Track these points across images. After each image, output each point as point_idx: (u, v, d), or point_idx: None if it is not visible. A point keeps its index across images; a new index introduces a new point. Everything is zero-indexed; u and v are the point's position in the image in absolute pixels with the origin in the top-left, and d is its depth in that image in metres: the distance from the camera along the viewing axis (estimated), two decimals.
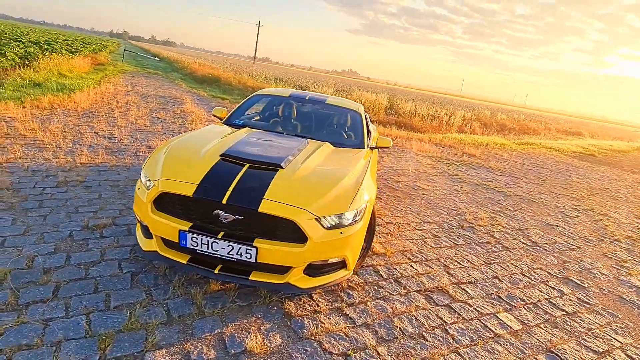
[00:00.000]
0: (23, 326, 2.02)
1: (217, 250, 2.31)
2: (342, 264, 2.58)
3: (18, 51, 14.18)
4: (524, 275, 3.66)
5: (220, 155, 2.66)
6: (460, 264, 3.64)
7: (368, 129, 4.51)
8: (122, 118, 7.67)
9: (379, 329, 2.47)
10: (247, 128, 3.62)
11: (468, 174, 7.88)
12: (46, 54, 15.39)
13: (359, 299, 2.77)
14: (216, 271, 2.34)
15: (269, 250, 2.29)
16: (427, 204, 5.38)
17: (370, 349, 2.27)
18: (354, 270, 3.00)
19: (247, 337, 2.19)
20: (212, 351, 2.06)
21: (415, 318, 2.65)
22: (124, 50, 27.48)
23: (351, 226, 2.51)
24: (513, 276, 3.59)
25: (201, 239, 2.30)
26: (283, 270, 2.39)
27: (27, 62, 12.87)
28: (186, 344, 2.07)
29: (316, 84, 21.90)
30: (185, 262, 2.40)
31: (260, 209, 2.27)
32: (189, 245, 2.34)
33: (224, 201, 2.29)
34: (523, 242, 4.53)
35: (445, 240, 4.15)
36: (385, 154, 8.56)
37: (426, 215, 4.87)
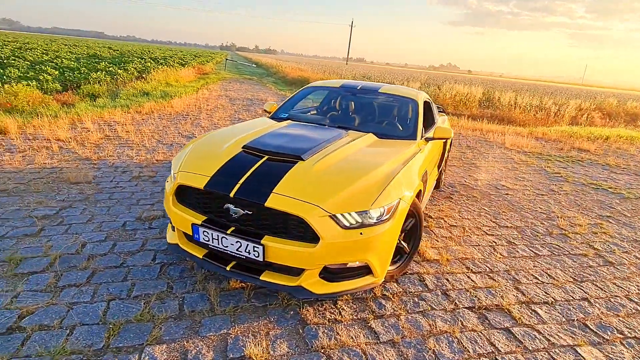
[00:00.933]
0: (51, 307, 2.15)
1: (227, 247, 2.19)
2: (367, 269, 2.25)
3: (137, 66, 16.43)
4: (629, 299, 2.84)
5: (242, 147, 2.55)
6: (537, 279, 2.97)
7: (428, 119, 4.03)
8: (207, 119, 8.24)
9: (406, 349, 2.08)
10: (289, 121, 3.47)
11: (573, 172, 6.63)
12: (159, 67, 17.55)
13: (391, 310, 2.40)
14: (228, 268, 2.23)
15: (278, 249, 2.09)
16: (510, 205, 4.61)
17: None
18: (393, 277, 2.64)
19: (251, 342, 2.02)
20: (211, 352, 1.94)
21: (458, 341, 2.19)
22: (226, 59, 30.12)
23: (376, 226, 2.17)
24: (612, 300, 2.80)
25: (212, 234, 2.21)
26: (297, 271, 2.17)
27: (143, 75, 14.81)
28: (187, 342, 1.99)
29: (404, 79, 21.04)
30: (200, 257, 2.34)
31: (267, 204, 2.08)
32: (201, 240, 2.27)
33: (231, 194, 2.16)
34: (637, 258, 3.55)
35: (523, 249, 3.46)
36: (467, 149, 7.71)
37: (505, 219, 4.15)
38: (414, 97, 3.77)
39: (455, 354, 2.08)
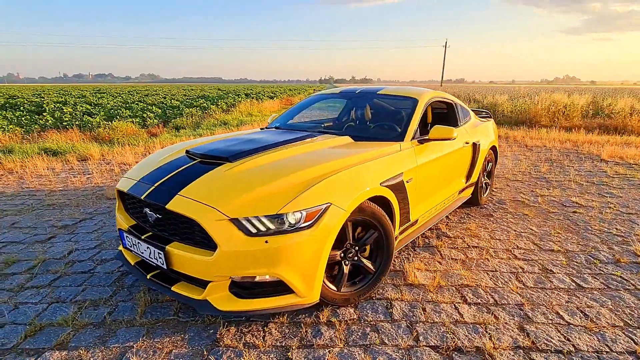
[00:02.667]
0: (1, 304, 2.29)
1: (142, 253, 2.08)
2: (285, 286, 1.90)
3: (229, 101, 18.16)
4: None
5: (185, 152, 2.46)
6: (561, 318, 2.20)
7: (446, 119, 3.50)
8: None
9: None
10: (274, 128, 3.31)
11: None
12: (248, 100, 19.13)
13: (327, 340, 1.98)
14: (148, 276, 2.11)
15: (180, 257, 1.90)
16: (571, 225, 3.64)
17: None
18: (349, 301, 2.22)
19: (146, 358, 1.84)
20: None
21: None
22: (314, 90, 31.60)
23: (288, 234, 1.83)
24: None
25: (132, 239, 2.13)
26: (204, 283, 1.93)
27: (230, 109, 16.27)
28: (87, 351, 1.90)
29: (489, 93, 19.22)
30: (132, 264, 2.27)
31: (168, 206, 1.93)
32: (127, 245, 2.20)
33: (142, 197, 2.06)
34: None
35: (561, 279, 2.64)
36: (545, 162, 6.50)
37: (554, 241, 3.27)
38: (415, 96, 3.28)
39: None
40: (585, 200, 4.45)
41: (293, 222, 1.85)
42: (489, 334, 2.05)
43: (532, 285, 2.56)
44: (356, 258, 2.27)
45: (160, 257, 1.95)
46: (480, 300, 2.37)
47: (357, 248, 2.26)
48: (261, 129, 3.60)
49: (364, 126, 3.31)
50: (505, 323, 2.14)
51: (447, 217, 3.87)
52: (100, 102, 18.64)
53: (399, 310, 2.25)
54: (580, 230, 3.55)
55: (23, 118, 12.12)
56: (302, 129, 3.28)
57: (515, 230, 3.52)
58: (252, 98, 21.46)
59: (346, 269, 2.23)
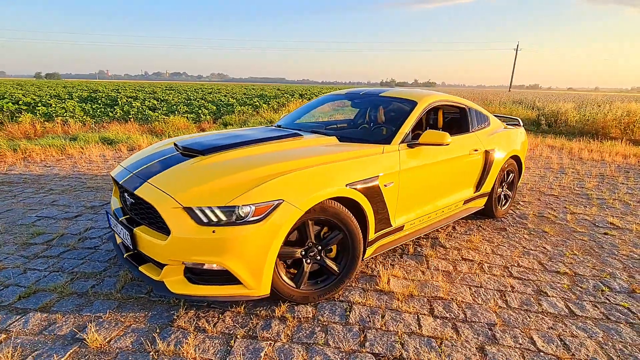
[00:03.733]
0: (15, 268, 2.63)
1: (119, 233, 2.28)
2: (233, 277, 1.97)
3: (281, 101, 18.70)
4: None
5: (173, 143, 2.63)
6: (533, 345, 2.02)
7: (457, 125, 3.38)
8: None
9: None
10: (265, 126, 3.41)
11: None
12: (300, 100, 19.54)
13: (273, 334, 2.01)
14: (125, 256, 2.30)
15: (143, 239, 2.05)
16: (594, 248, 3.30)
17: None
18: (308, 299, 2.24)
19: (105, 329, 2.02)
20: (67, 329, 2.01)
21: None
22: None
23: (235, 226, 1.90)
24: None
25: (113, 221, 2.34)
26: (162, 266, 2.07)
27: (281, 108, 16.74)
28: (62, 316, 2.12)
29: (560, 101, 17.65)
30: (117, 243, 2.48)
31: (136, 191, 2.09)
32: (111, 226, 2.42)
33: (121, 182, 2.25)
34: None
35: (552, 304, 2.42)
36: (594, 178, 5.89)
37: (565, 262, 2.99)
38: (415, 99, 3.16)
39: None
40: (625, 222, 3.98)
41: (242, 215, 1.92)
42: (441, 349, 1.95)
43: (516, 306, 2.37)
44: (319, 257, 2.28)
45: (128, 238, 2.12)
46: (449, 314, 2.26)
47: (320, 248, 2.27)
48: (268, 126, 3.71)
49: (357, 127, 3.27)
50: (466, 341, 2.02)
51: (452, 227, 3.68)
52: (167, 98, 20.17)
53: (357, 314, 2.22)
54: (603, 253, 3.20)
55: (98, 110, 13.54)
56: (299, 128, 3.32)
57: (524, 247, 3.26)
58: (306, 98, 21.88)
59: (307, 268, 2.24)
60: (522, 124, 4.58)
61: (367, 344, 1.97)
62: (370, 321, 2.16)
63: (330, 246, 2.32)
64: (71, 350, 1.85)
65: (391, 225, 2.66)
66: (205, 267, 1.95)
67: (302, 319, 2.15)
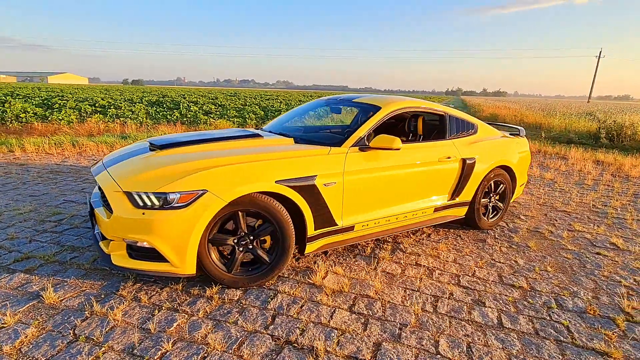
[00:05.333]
0: (23, 239, 3.17)
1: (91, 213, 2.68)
2: (160, 255, 2.24)
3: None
4: None
5: (148, 141, 3.00)
6: (435, 346, 2.04)
7: (424, 131, 3.42)
8: None
9: (148, 340, 1.98)
10: (238, 128, 3.66)
11: None
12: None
13: (195, 310, 2.26)
14: (95, 231, 2.69)
15: (98, 217, 2.42)
16: (573, 267, 3.11)
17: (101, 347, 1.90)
18: (237, 284, 2.46)
19: (64, 291, 2.40)
20: (37, 287, 2.43)
21: (208, 354, 1.89)
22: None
23: (162, 210, 2.19)
24: None
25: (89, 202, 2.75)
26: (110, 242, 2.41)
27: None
28: (38, 277, 2.56)
29: (629, 113, 15.83)
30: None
31: (96, 177, 2.47)
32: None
33: (91, 169, 2.65)
34: None
35: (484, 313, 2.37)
36: (631, 196, 5.36)
37: (528, 277, 2.88)
38: (379, 105, 3.23)
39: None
40: (631, 244, 3.64)
41: (169, 200, 2.20)
42: (338, 339, 2.05)
43: (442, 312, 2.37)
44: (251, 247, 2.48)
45: (91, 217, 2.51)
46: (368, 312, 2.33)
47: (252, 238, 2.47)
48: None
49: (319, 130, 3.38)
50: (367, 336, 2.10)
51: (427, 233, 3.65)
52: (225, 103, 21.56)
53: (278, 301, 2.38)
54: (580, 273, 3.00)
55: (160, 113, 14.94)
56: (281, 131, 3.53)
57: (492, 260, 3.16)
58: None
59: (239, 255, 2.46)
60: (524, 134, 4.38)
61: (271, 327, 2.13)
62: (286, 309, 2.31)
63: (262, 237, 2.52)
64: (30, 304, 2.26)
65: (335, 225, 2.78)
66: (138, 244, 2.26)
67: (226, 301, 2.37)
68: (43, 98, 19.16)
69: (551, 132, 12.81)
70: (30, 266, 2.70)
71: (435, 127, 3.71)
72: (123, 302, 2.30)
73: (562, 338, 2.18)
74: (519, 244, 3.54)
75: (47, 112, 12.85)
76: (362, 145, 2.91)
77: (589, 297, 2.64)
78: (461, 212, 3.64)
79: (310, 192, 2.57)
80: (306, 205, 2.56)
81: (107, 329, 2.05)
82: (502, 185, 3.88)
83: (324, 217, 2.69)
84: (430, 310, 2.38)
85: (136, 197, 2.24)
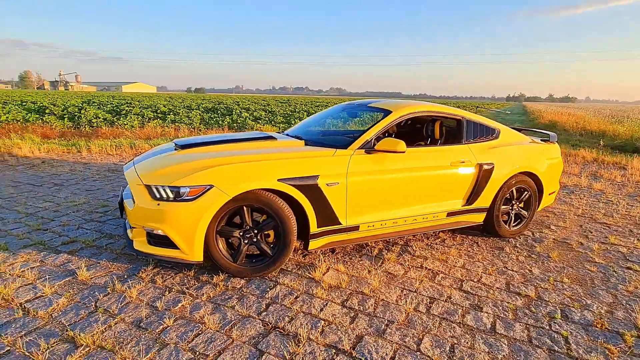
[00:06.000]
0: (74, 226, 3.64)
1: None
2: (172, 242, 2.50)
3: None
4: None
5: (174, 142, 3.32)
6: (417, 344, 2.08)
7: (441, 135, 3.46)
8: None
9: (153, 317, 2.24)
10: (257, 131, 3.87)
11: None
12: None
13: (200, 294, 2.49)
14: (125, 220, 3.05)
15: (125, 207, 2.75)
16: (595, 280, 2.95)
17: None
18: (242, 274, 2.67)
19: (84, 269, 2.76)
20: (71, 266, 2.81)
21: (193, 332, 2.10)
22: (477, 107, 29.32)
23: (173, 202, 2.45)
24: None
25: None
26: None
27: None
28: (73, 257, 2.95)
29: None
30: None
31: (125, 173, 2.81)
32: None
33: (124, 166, 3.00)
34: None
35: (479, 317, 2.36)
36: None
37: (538, 287, 2.79)
38: (391, 109, 3.28)
39: (180, 340, 2.06)
40: None
41: (181, 193, 2.46)
42: (323, 329, 2.17)
43: (435, 313, 2.39)
44: (255, 240, 2.68)
45: (121, 207, 2.86)
46: (359, 307, 2.41)
47: (256, 231, 2.67)
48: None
49: (336, 134, 3.49)
50: (352, 329, 2.19)
51: (442, 238, 3.61)
52: (275, 110, 22.36)
53: (276, 292, 2.54)
54: (600, 286, 2.83)
55: (213, 119, 15.90)
56: (300, 135, 3.70)
57: (505, 267, 3.08)
58: None
59: (244, 247, 2.66)
60: (555, 139, 4.16)
61: (264, 313, 2.30)
62: (281, 299, 2.47)
63: (265, 231, 2.70)
64: (66, 279, 2.63)
65: (339, 224, 2.89)
66: (155, 232, 2.54)
67: (229, 288, 2.58)
68: (114, 105, 21.20)
69: (615, 140, 11.78)
70: (73, 249, 3.12)
71: (453, 132, 3.69)
72: (141, 283, 2.60)
73: (556, 348, 2.11)
74: (540, 253, 3.39)
75: (114, 118, 14.25)
76: (369, 148, 3.00)
77: (602, 311, 2.49)
78: (478, 218, 3.57)
79: (313, 191, 2.71)
80: (308, 203, 2.71)
81: (122, 304, 2.34)
82: (526, 192, 3.73)
83: (327, 215, 2.81)
84: (422, 311, 2.41)
85: (154, 189, 2.53)
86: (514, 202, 3.72)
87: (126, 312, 2.26)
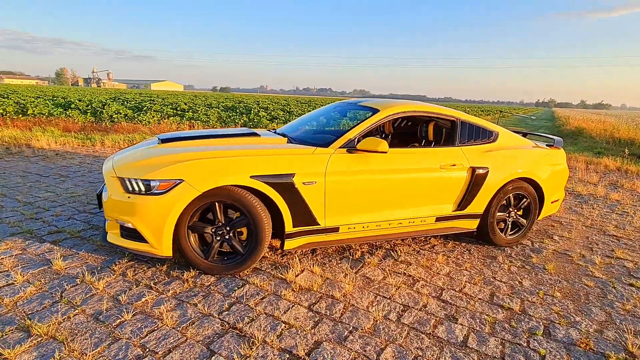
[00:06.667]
0: (65, 216, 3.70)
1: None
2: (141, 236, 2.48)
3: None
4: None
5: (157, 137, 3.30)
6: (378, 353, 1.97)
7: (435, 137, 3.30)
8: None
9: (111, 311, 2.22)
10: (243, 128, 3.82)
11: None
12: None
13: (167, 289, 2.46)
14: (99, 208, 3.06)
15: (102, 199, 2.75)
16: (589, 296, 2.75)
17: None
18: (213, 271, 2.63)
19: (60, 259, 2.77)
20: (51, 255, 2.84)
21: (147, 329, 2.06)
22: (500, 112, 28.47)
23: (143, 195, 2.43)
24: None
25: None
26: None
27: None
28: (55, 247, 2.98)
29: None
30: None
31: (104, 166, 2.82)
32: None
33: (106, 160, 3.02)
34: None
35: (451, 329, 2.22)
36: None
37: (525, 300, 2.61)
38: (378, 108, 3.16)
39: (132, 336, 2.02)
40: None
41: (151, 187, 2.44)
42: (281, 332, 2.09)
43: (405, 322, 2.26)
44: (227, 237, 2.63)
45: (99, 198, 2.87)
46: (325, 312, 2.32)
47: (228, 228, 2.62)
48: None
49: (317, 132, 3.39)
50: (313, 334, 2.10)
51: (432, 243, 3.46)
52: (293, 110, 22.41)
53: (243, 291, 2.48)
54: (595, 303, 2.63)
55: (231, 117, 16.07)
56: (280, 131, 3.63)
57: (493, 278, 2.91)
58: None
59: (216, 244, 2.62)
60: (560, 145, 3.92)
61: (225, 313, 2.24)
62: (247, 299, 2.40)
63: (238, 229, 2.65)
64: (41, 268, 2.65)
65: (319, 224, 2.80)
66: (126, 225, 2.53)
67: (198, 285, 2.54)
68: (138, 102, 21.78)
69: None
70: (58, 238, 3.15)
71: (446, 134, 3.53)
72: (111, 275, 2.59)
73: None
74: (536, 265, 3.19)
75: (135, 114, 14.61)
76: (351, 147, 2.89)
77: (590, 330, 2.30)
78: (471, 224, 3.40)
79: (288, 189, 2.63)
80: (283, 202, 2.63)
81: (87, 296, 2.34)
82: (525, 199, 3.53)
83: (303, 215, 2.73)
84: (392, 319, 2.29)
85: (127, 182, 2.52)
86: (511, 209, 3.52)
87: (88, 304, 2.25)
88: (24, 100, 16.34)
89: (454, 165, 3.18)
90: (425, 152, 3.15)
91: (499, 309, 2.48)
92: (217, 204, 2.55)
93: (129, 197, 2.47)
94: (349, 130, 2.99)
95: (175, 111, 17.05)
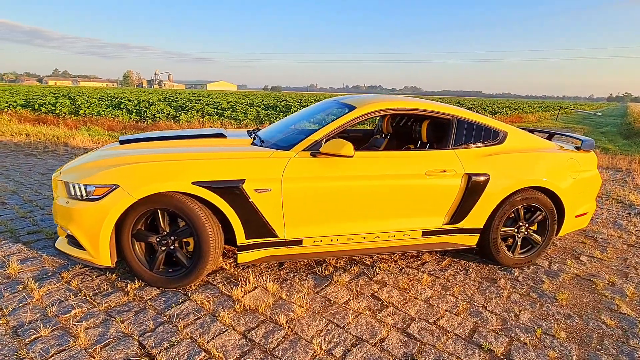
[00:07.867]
0: (50, 216, 3.73)
1: None
2: (79, 243, 2.34)
3: None
4: None
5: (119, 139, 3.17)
6: None
7: (429, 138, 3.04)
8: None
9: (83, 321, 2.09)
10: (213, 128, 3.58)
11: None
12: None
13: (105, 301, 2.29)
14: None
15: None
16: (604, 335, 2.20)
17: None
18: (160, 285, 2.43)
19: (15, 262, 2.72)
20: (14, 257, 2.81)
21: (117, 333, 1.89)
22: (560, 108, 25.92)
23: (80, 201, 2.28)
24: None
25: None
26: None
27: None
28: (23, 248, 2.96)
29: None
30: None
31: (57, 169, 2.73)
32: None
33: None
34: None
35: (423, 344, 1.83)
36: None
37: (514, 340, 2.14)
38: (355, 105, 2.75)
39: (38, 356, 1.87)
40: None
41: (87, 192, 2.28)
42: (206, 348, 1.82)
43: (338, 355, 1.90)
44: (172, 247, 2.41)
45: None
46: (260, 340, 2.01)
47: (173, 238, 2.40)
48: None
49: (289, 133, 3.04)
50: (280, 345, 1.81)
51: (423, 260, 3.01)
52: None
53: (180, 309, 2.25)
54: (610, 351, 2.07)
55: (267, 115, 16.16)
56: (260, 133, 3.32)
57: (480, 308, 2.43)
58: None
59: (160, 254, 2.42)
60: (591, 146, 3.25)
61: (147, 334, 2.02)
62: (178, 318, 2.16)
63: (183, 238, 2.42)
64: None
65: (277, 236, 2.51)
66: (69, 232, 2.40)
67: (137, 297, 2.35)
68: (184, 101, 22.70)
69: None
70: (31, 239, 3.14)
71: (441, 134, 3.05)
72: (56, 283, 2.48)
73: None
74: (545, 293, 2.64)
75: (177, 113, 15.16)
76: (315, 151, 2.55)
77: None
78: (469, 240, 2.90)
79: (237, 197, 2.36)
80: (232, 211, 2.37)
81: (20, 305, 2.24)
82: (539, 212, 2.96)
83: (257, 225, 2.45)
84: (335, 355, 1.93)
85: (70, 186, 2.39)
86: (520, 223, 2.97)
87: (16, 315, 2.14)
88: (79, 101, 17.59)
89: (444, 171, 2.71)
90: (408, 155, 2.72)
91: (476, 351, 2.02)
92: (159, 211, 2.35)
93: (67, 202, 2.34)
94: (314, 131, 2.65)
95: (215, 110, 17.49)
